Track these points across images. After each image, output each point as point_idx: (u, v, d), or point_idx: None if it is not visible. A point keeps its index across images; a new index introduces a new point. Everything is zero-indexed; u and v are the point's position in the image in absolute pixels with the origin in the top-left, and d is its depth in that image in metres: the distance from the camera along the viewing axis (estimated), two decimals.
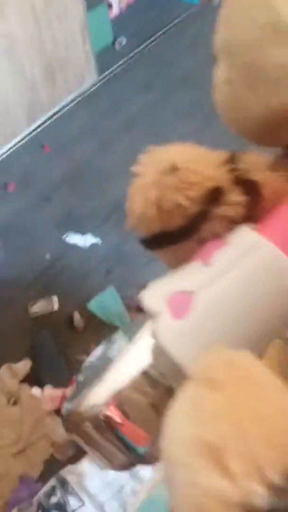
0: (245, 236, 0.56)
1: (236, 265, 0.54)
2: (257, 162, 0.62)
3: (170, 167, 0.57)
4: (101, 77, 3.56)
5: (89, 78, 3.52)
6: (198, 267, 0.57)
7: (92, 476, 1.59)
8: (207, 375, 0.42)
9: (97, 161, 3.12)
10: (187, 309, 0.54)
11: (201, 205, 0.54)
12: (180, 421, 0.41)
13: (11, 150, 3.28)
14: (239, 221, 0.57)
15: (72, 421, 0.52)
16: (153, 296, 0.57)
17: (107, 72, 3.58)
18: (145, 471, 1.56)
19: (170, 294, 0.55)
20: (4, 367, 2.33)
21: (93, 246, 2.73)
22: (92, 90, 3.53)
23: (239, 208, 0.55)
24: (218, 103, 0.65)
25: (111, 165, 3.07)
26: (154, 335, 0.53)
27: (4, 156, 3.25)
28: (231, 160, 0.62)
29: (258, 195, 0.58)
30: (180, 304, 0.56)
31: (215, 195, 0.55)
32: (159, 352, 0.54)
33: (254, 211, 0.57)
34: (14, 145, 3.29)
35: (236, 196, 0.56)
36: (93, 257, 2.69)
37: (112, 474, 1.58)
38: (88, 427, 0.50)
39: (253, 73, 0.53)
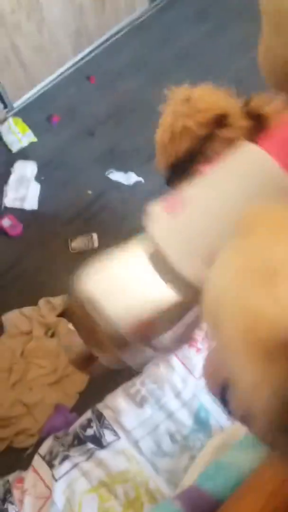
0: (239, 147, 0.60)
1: (226, 167, 0.60)
2: (270, 100, 0.69)
3: (185, 98, 0.72)
4: (153, 5, 3.35)
5: (140, 6, 3.31)
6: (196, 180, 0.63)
7: (128, 413, 1.61)
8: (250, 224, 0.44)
9: (145, 96, 2.99)
10: (179, 207, 0.64)
11: (208, 128, 0.63)
12: (230, 256, 0.43)
13: (56, 80, 3.18)
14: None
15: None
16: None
17: (159, 0, 3.36)
18: (182, 413, 1.58)
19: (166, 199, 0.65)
20: (43, 300, 2.37)
21: (136, 184, 2.67)
22: (142, 19, 3.33)
23: (243, 131, 0.63)
24: (259, 60, 0.71)
25: (160, 101, 2.93)
26: (150, 234, 0.70)
27: (48, 86, 3.16)
28: (247, 99, 0.70)
29: (264, 125, 0.66)
30: (174, 204, 0.69)
31: (221, 120, 0.62)
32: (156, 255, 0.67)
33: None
34: (59, 76, 3.18)
35: (241, 122, 0.63)
36: (136, 196, 2.64)
37: (147, 412, 1.60)
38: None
39: (279, 18, 0.58)
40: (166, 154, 0.67)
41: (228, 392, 0.53)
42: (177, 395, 1.63)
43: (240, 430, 0.67)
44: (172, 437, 1.55)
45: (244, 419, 0.49)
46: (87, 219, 2.61)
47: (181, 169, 0.65)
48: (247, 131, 0.62)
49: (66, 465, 1.56)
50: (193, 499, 0.57)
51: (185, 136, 0.61)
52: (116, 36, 3.28)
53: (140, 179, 2.66)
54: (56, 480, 1.53)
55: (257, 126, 0.63)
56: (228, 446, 0.65)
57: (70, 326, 2.33)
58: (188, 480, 0.62)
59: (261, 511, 0.49)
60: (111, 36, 3.28)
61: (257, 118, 0.64)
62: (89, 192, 2.69)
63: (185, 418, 1.58)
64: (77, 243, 2.51)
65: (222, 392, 0.54)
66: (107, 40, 3.27)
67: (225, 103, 0.61)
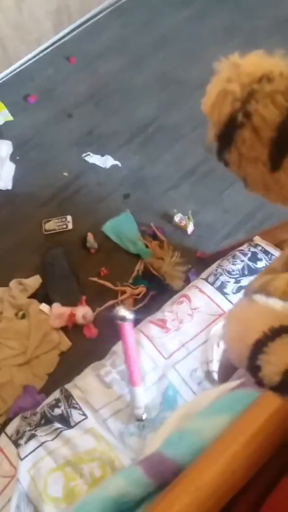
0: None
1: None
2: None
3: (232, 64, 0.61)
4: None
5: None
6: None
7: (97, 393, 1.61)
8: None
9: (124, 79, 2.96)
10: None
11: (250, 87, 0.56)
12: None
13: (34, 59, 3.11)
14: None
15: None
16: None
17: None
18: (151, 392, 1.58)
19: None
20: (15, 280, 2.34)
21: (113, 167, 2.64)
22: (125, 0, 3.28)
23: (286, 83, 0.59)
24: None
25: (139, 85, 2.91)
26: None
27: (26, 64, 3.09)
28: None
29: None
30: None
31: (264, 79, 0.58)
32: None
33: None
34: (38, 54, 3.12)
35: (285, 80, 0.59)
36: (112, 179, 2.61)
37: (116, 393, 1.60)
38: None
39: None
40: (211, 124, 0.64)
41: (261, 355, 0.52)
42: (146, 375, 1.63)
43: (203, 400, 0.68)
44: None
45: (281, 386, 0.49)
46: (62, 201, 2.58)
47: (227, 138, 0.61)
48: None
49: (32, 444, 1.55)
50: (156, 465, 0.57)
51: (227, 100, 0.58)
52: (98, 17, 3.23)
53: (117, 162, 2.64)
54: (21, 459, 1.52)
55: None
56: (192, 415, 0.65)
57: (41, 307, 2.32)
58: (151, 448, 0.62)
59: (222, 475, 0.49)
60: (93, 17, 3.22)
61: None
62: (65, 174, 2.65)
63: (154, 397, 1.59)
64: (51, 225, 2.48)
65: (252, 357, 0.53)
66: (88, 20, 3.21)
67: (272, 64, 0.58)
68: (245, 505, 0.51)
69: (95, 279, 2.30)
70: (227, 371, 0.97)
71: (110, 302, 2.23)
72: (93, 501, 0.55)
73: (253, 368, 0.53)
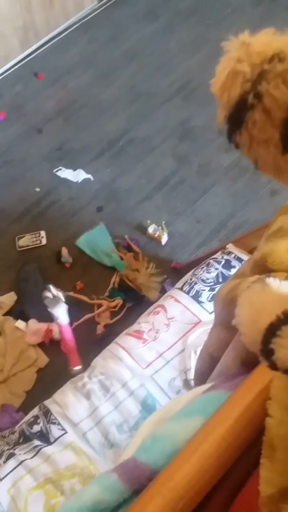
0: None
1: None
2: None
3: (241, 43, 0.58)
4: (102, 2, 3.34)
5: (89, 3, 3.30)
6: None
7: (75, 406, 1.60)
8: None
9: (93, 93, 2.98)
10: None
11: (261, 67, 0.55)
12: None
13: (2, 76, 3.11)
14: None
15: None
16: None
17: None
18: (129, 402, 1.58)
19: None
20: None
21: (85, 181, 2.64)
22: (91, 16, 3.32)
23: None
24: None
25: (108, 98, 2.94)
26: None
27: None
28: None
29: None
30: None
31: (275, 59, 0.56)
32: None
33: None
34: (6, 71, 3.12)
35: None
36: (84, 193, 2.62)
37: (94, 404, 1.58)
38: None
39: None
40: (221, 105, 0.61)
41: (274, 338, 0.51)
42: (124, 385, 1.63)
43: (176, 405, 0.68)
44: (119, 428, 1.54)
45: None
46: (35, 216, 2.57)
47: (237, 120, 0.59)
48: None
49: (11, 463, 1.52)
50: (130, 470, 0.57)
51: (236, 81, 0.56)
52: (65, 33, 3.25)
53: (89, 176, 2.64)
54: (0, 480, 1.49)
55: None
56: (165, 420, 0.65)
57: (17, 324, 2.29)
58: (127, 454, 0.62)
59: (194, 475, 0.49)
60: (60, 33, 3.24)
61: None
62: (37, 189, 2.65)
63: (133, 407, 1.58)
64: (25, 241, 2.47)
65: (265, 341, 0.53)
66: (55, 36, 3.23)
67: (283, 43, 0.56)
68: (217, 504, 0.51)
69: (71, 293, 2.28)
70: (203, 377, 0.97)
71: (87, 316, 2.22)
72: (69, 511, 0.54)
73: (267, 352, 0.53)
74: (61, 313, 2.07)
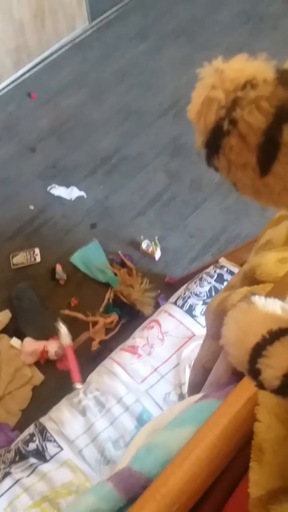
0: None
1: None
2: None
3: (215, 69, 0.59)
4: (93, 23, 3.41)
5: (81, 24, 3.36)
6: None
7: (71, 423, 1.59)
8: None
9: (85, 112, 3.02)
10: None
11: (235, 94, 0.55)
12: None
13: None
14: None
15: None
16: None
17: (99, 19, 3.43)
18: (124, 417, 1.58)
19: None
20: None
21: (78, 199, 2.67)
22: (83, 37, 3.38)
23: (272, 92, 0.57)
24: None
25: (100, 117, 2.98)
26: None
27: None
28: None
29: None
30: None
31: (248, 86, 0.57)
32: None
33: None
34: None
35: (270, 85, 0.58)
36: (78, 210, 2.64)
37: (90, 420, 1.58)
38: None
39: None
40: (198, 131, 0.62)
41: (260, 359, 0.52)
42: (120, 400, 1.63)
43: (169, 415, 0.69)
44: (115, 444, 1.54)
45: (281, 389, 0.48)
46: (29, 234, 2.59)
47: (214, 145, 0.61)
48: (277, 92, 0.58)
49: (7, 482, 1.51)
50: (125, 479, 0.57)
51: (212, 108, 0.57)
52: (57, 54, 3.31)
53: (82, 193, 2.67)
54: None
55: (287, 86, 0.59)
56: (158, 430, 0.66)
57: (12, 342, 2.29)
58: (122, 465, 0.62)
59: (186, 480, 0.50)
60: (52, 54, 3.30)
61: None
62: (31, 207, 2.67)
63: (128, 422, 1.58)
64: (19, 259, 2.48)
65: (252, 361, 0.53)
66: (48, 57, 3.28)
67: (255, 69, 0.57)
68: (209, 508, 0.52)
69: (66, 311, 2.29)
70: (196, 388, 0.98)
71: (83, 337, 2.21)
72: None
73: (254, 372, 0.53)
74: (64, 335, 2.15)
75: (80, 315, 2.27)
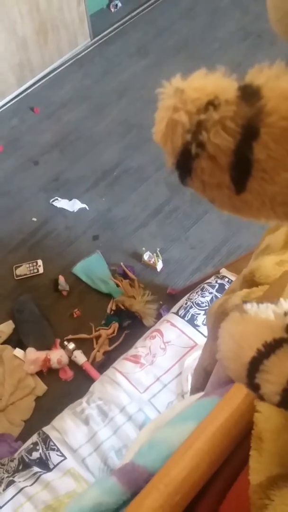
0: None
1: None
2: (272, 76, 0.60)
3: (175, 90, 0.54)
4: (95, 40, 3.48)
5: (82, 40, 3.43)
6: None
7: (74, 432, 1.60)
8: None
9: (87, 126, 3.07)
10: None
11: (198, 116, 0.52)
12: None
13: (0, 110, 3.21)
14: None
15: None
16: None
17: (100, 35, 3.50)
18: (127, 427, 1.58)
19: None
20: None
21: (80, 211, 2.70)
22: (85, 53, 3.44)
23: (235, 110, 0.54)
24: (269, 9, 0.62)
25: (102, 131, 3.02)
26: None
27: None
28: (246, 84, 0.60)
29: (260, 105, 0.56)
30: None
31: (211, 107, 0.54)
32: None
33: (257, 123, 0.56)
34: (3, 106, 3.21)
35: (233, 103, 0.54)
36: (80, 222, 2.67)
37: (93, 430, 1.59)
38: None
39: None
40: (166, 153, 0.59)
41: (258, 373, 0.50)
42: (122, 409, 1.64)
43: (171, 413, 0.70)
44: (118, 453, 1.54)
45: (282, 404, 0.48)
46: (32, 245, 2.61)
47: (185, 168, 0.58)
48: (240, 110, 0.54)
49: (11, 491, 1.52)
50: (128, 473, 0.59)
51: (176, 131, 0.54)
52: (59, 69, 3.37)
53: (84, 205, 2.70)
54: (0, 508, 1.48)
55: (249, 102, 0.55)
56: (161, 427, 0.67)
57: (15, 352, 2.30)
58: (125, 461, 0.64)
59: (188, 471, 0.52)
60: (54, 69, 3.36)
61: (251, 95, 0.55)
62: (34, 219, 2.70)
63: (131, 431, 1.59)
64: (22, 270, 2.50)
65: (250, 376, 0.51)
66: (50, 72, 3.34)
67: (216, 86, 0.53)
68: (211, 497, 0.53)
69: (70, 336, 2.30)
70: (198, 392, 0.99)
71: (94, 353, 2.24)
72: None
73: (253, 386, 0.52)
74: (78, 355, 2.23)
75: (83, 336, 2.29)
